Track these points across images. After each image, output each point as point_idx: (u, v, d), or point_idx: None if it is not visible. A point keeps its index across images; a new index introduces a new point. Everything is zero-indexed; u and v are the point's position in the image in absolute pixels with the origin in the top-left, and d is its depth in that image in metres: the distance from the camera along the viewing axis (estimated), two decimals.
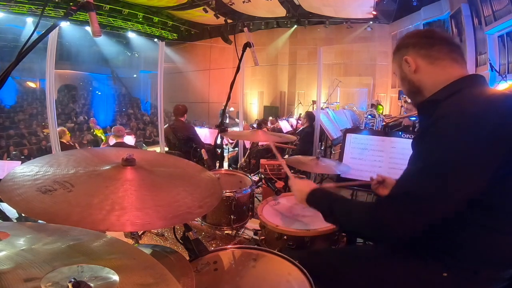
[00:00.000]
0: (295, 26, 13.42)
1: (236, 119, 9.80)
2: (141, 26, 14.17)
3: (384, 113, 9.02)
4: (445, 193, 0.82)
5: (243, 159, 5.00)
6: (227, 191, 1.60)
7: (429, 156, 0.85)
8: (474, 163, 0.81)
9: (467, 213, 0.87)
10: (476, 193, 0.83)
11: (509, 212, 0.86)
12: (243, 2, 10.87)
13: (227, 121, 9.93)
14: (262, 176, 2.69)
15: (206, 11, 11.83)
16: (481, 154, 0.81)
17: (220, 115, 10.58)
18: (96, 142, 8.51)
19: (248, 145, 5.17)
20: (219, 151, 2.52)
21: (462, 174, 0.81)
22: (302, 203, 1.15)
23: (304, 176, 2.71)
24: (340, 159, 2.08)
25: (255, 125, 8.43)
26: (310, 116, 5.11)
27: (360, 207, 0.99)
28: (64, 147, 4.80)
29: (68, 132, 5.35)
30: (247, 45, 2.00)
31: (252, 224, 1.77)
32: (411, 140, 0.98)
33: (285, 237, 1.33)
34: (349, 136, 2.10)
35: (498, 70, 6.18)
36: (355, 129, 3.18)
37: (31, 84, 15.37)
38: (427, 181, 0.83)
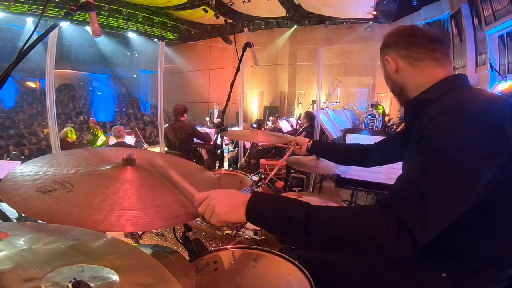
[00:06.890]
0: (295, 26, 13.39)
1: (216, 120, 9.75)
2: (141, 26, 14.15)
3: (383, 113, 9.00)
4: (454, 196, 0.74)
5: (243, 159, 5.00)
6: None
7: (434, 154, 0.76)
8: (483, 161, 0.75)
9: (465, 214, 0.87)
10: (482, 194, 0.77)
11: (509, 212, 0.86)
12: (243, 2, 10.85)
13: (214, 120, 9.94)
14: (262, 176, 2.68)
15: (206, 11, 11.82)
16: (490, 151, 0.75)
17: (211, 114, 10.59)
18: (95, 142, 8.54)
19: (248, 145, 5.17)
20: (219, 151, 2.52)
21: (471, 172, 0.74)
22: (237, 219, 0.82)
23: (304, 176, 2.71)
24: None
25: (255, 125, 8.41)
26: (310, 116, 5.12)
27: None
28: (69, 145, 4.82)
29: (74, 133, 5.34)
30: (247, 45, 2.00)
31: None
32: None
33: None
34: (349, 136, 2.11)
35: (498, 70, 6.17)
36: (355, 129, 3.19)
37: (31, 84, 15.37)
38: (436, 184, 0.73)
